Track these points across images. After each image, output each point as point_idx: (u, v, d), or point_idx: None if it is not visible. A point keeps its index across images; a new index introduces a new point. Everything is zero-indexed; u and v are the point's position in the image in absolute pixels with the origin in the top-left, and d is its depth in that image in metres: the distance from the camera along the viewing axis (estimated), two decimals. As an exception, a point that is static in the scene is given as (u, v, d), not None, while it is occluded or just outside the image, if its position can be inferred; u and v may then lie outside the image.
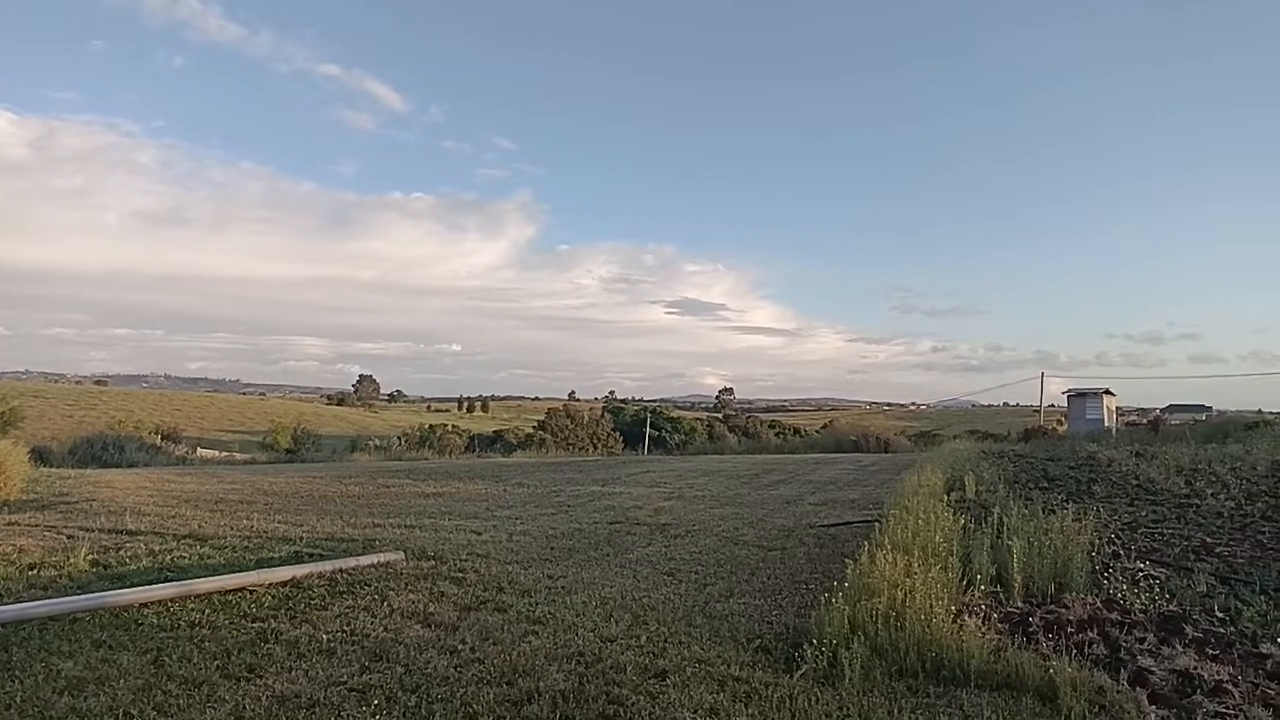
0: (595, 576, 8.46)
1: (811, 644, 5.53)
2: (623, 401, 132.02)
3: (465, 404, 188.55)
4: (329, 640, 5.98)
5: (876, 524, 9.03)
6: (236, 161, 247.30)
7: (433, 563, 8.85)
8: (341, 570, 8.23)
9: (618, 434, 66.51)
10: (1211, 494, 14.07)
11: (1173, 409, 64.96)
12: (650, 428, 69.09)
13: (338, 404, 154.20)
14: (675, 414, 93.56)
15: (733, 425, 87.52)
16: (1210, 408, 60.63)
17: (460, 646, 5.90)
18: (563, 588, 7.89)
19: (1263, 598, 7.16)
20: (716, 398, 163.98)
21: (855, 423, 62.61)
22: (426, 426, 70.81)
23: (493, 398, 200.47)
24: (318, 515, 12.86)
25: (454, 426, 79.87)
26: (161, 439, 40.55)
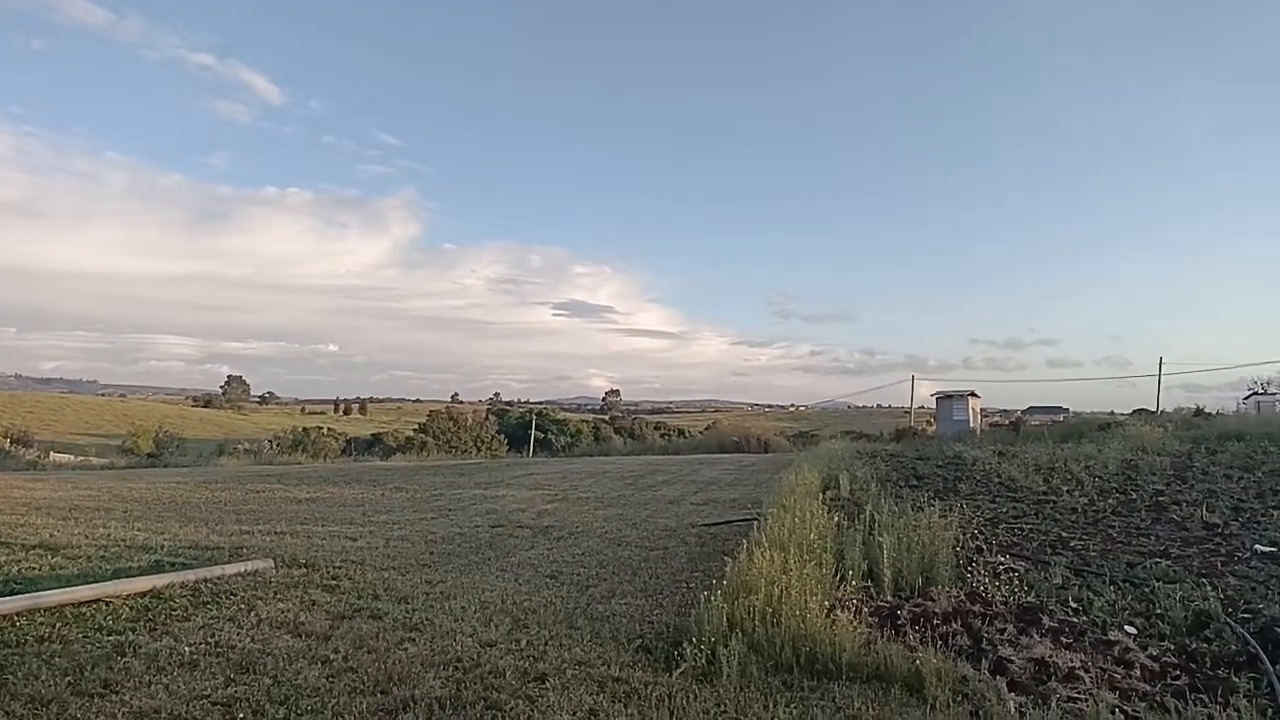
0: (475, 581, 8.33)
1: (691, 642, 5.57)
2: (508, 404, 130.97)
3: (342, 406, 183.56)
4: (192, 653, 5.68)
5: (755, 522, 9.20)
6: (101, 151, 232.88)
7: (304, 570, 8.53)
8: (206, 580, 7.83)
9: (502, 437, 65.85)
10: (1067, 491, 14.90)
11: (1033, 410, 68.25)
12: (536, 430, 68.68)
13: (204, 406, 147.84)
14: (561, 416, 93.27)
15: (619, 427, 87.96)
16: (1067, 409, 63.98)
17: (332, 656, 5.71)
18: (441, 593, 7.73)
19: (1112, 588, 7.61)
20: (603, 400, 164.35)
21: (738, 424, 63.71)
22: (300, 429, 68.35)
23: (371, 400, 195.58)
24: (181, 522, 12.24)
25: (330, 429, 77.43)
26: (10, 443, 37.95)
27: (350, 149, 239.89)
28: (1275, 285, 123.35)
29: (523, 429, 69.26)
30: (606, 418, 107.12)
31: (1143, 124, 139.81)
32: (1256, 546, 9.66)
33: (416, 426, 71.12)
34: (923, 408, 49.90)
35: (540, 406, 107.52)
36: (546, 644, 6.08)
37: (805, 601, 5.98)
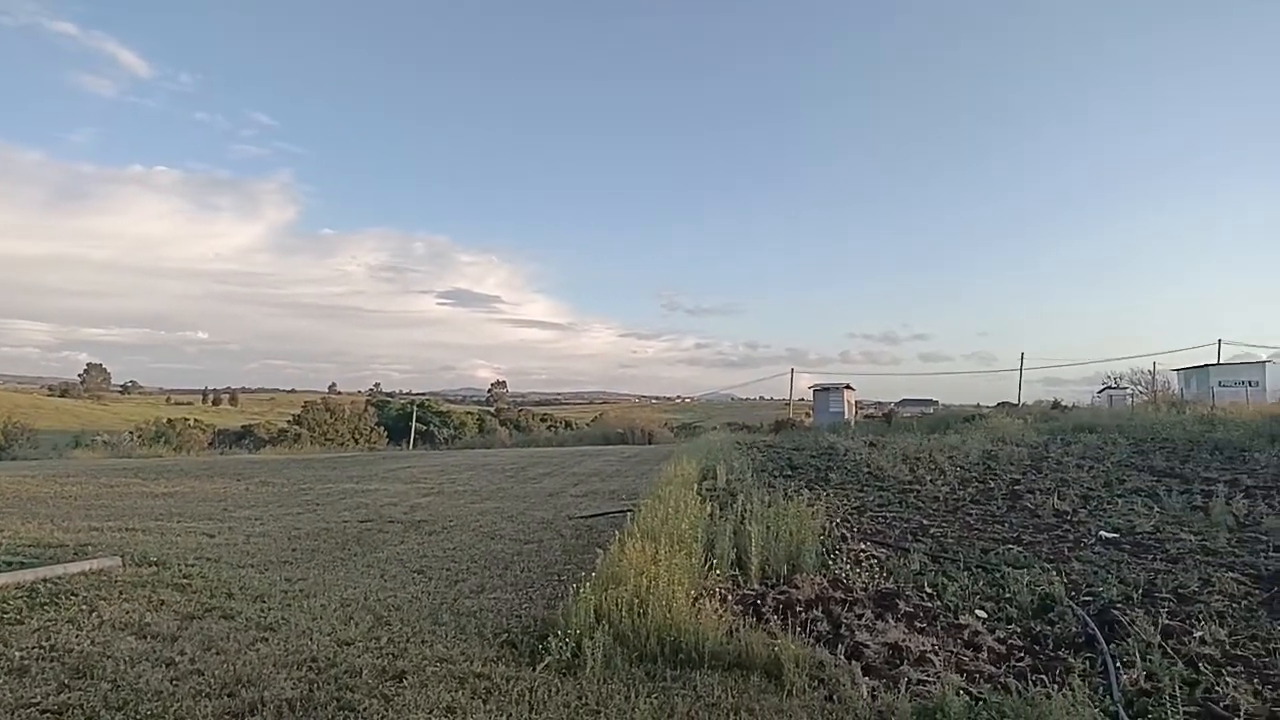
0: (339, 578, 8.06)
1: (557, 635, 5.52)
2: (389, 395, 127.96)
3: (211, 396, 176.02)
4: (23, 658, 5.29)
5: (631, 514, 9.22)
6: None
7: (155, 569, 8.09)
8: (45, 580, 7.33)
9: (382, 429, 64.30)
10: (931, 480, 15.50)
11: (905, 403, 70.90)
12: (417, 422, 67.26)
13: (61, 395, 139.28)
14: (445, 408, 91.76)
15: (504, 419, 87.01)
16: (937, 402, 66.64)
17: (178, 658, 5.41)
18: (301, 591, 7.45)
19: (966, 574, 7.93)
20: (489, 391, 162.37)
21: (624, 415, 63.83)
22: (164, 421, 65.02)
23: (243, 390, 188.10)
24: (23, 519, 11.46)
25: (197, 421, 74.01)
26: None
27: (223, 127, 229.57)
28: (1129, 285, 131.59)
29: (404, 421, 67.69)
30: (492, 409, 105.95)
31: (1006, 129, 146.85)
32: (1100, 533, 10.24)
33: (291, 418, 68.63)
34: (802, 400, 51.14)
35: (423, 398, 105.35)
36: (408, 641, 5.92)
37: (672, 592, 6.01)
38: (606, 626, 5.64)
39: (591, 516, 12.29)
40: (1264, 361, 40.47)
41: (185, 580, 7.66)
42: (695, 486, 11.87)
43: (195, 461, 27.25)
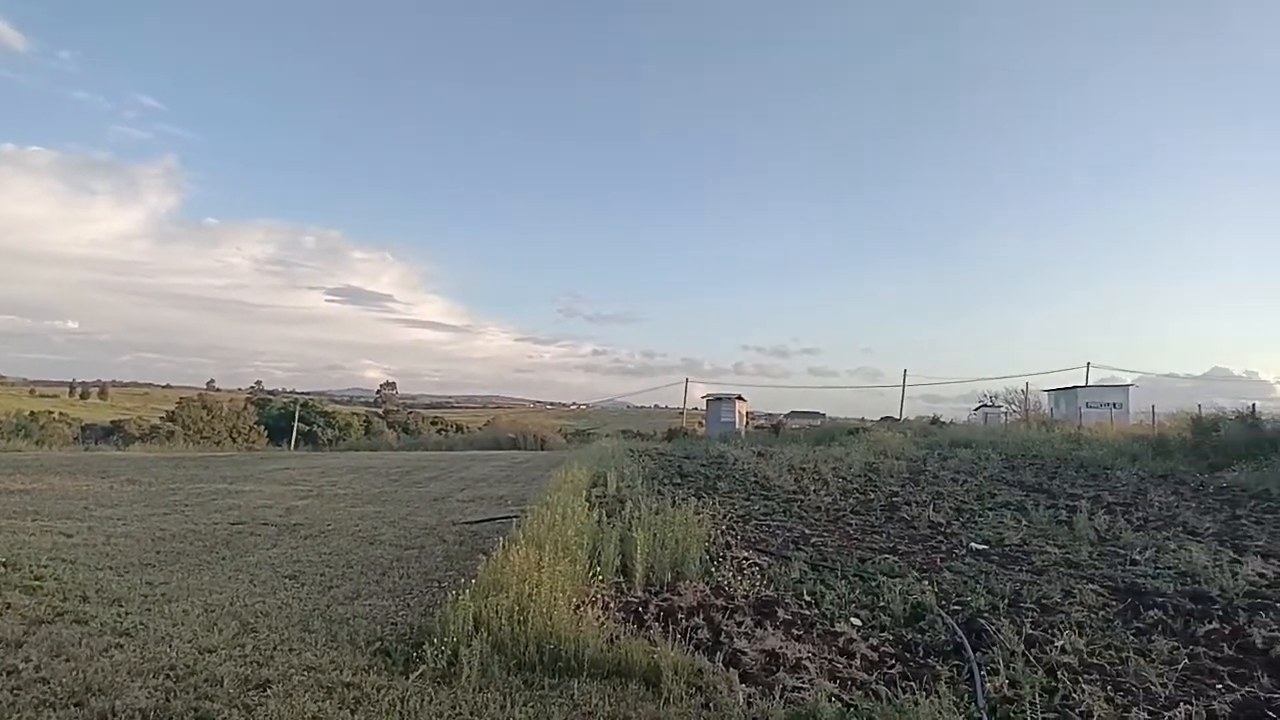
0: (204, 582, 7.68)
1: (433, 643, 5.38)
2: (271, 393, 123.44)
3: (79, 389, 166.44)
4: None
5: (517, 520, 9.10)
6: None
7: (1, 570, 7.57)
8: (-128, 583, 6.79)
9: (262, 428, 61.87)
10: (815, 490, 15.84)
11: (794, 415, 72.31)
12: (300, 422, 65.10)
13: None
14: (330, 408, 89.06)
15: (392, 421, 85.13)
16: (824, 415, 68.25)
17: (23, 665, 5.08)
18: (162, 595, 7.08)
19: (844, 582, 8.11)
20: (377, 392, 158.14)
21: (517, 421, 63.40)
22: (27, 413, 61.26)
23: (115, 383, 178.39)
24: None
25: (62, 414, 70.00)
26: None
27: (105, 108, 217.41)
28: (1005, 308, 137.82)
29: (285, 421, 65.30)
30: (380, 411, 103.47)
31: (891, 153, 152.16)
32: (971, 544, 10.63)
33: (164, 414, 65.40)
34: (695, 409, 51.71)
35: (307, 397, 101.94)
36: (275, 649, 5.68)
37: (555, 599, 5.94)
38: (485, 634, 5.53)
39: (477, 522, 12.09)
40: (1127, 385, 42.97)
41: (36, 582, 7.20)
42: (585, 493, 11.82)
43: (57, 457, 25.67)
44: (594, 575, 7.08)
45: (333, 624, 6.40)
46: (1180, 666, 5.69)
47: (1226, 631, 6.53)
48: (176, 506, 13.17)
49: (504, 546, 7.03)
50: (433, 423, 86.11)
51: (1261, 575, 8.58)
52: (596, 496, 12.53)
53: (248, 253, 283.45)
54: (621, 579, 7.48)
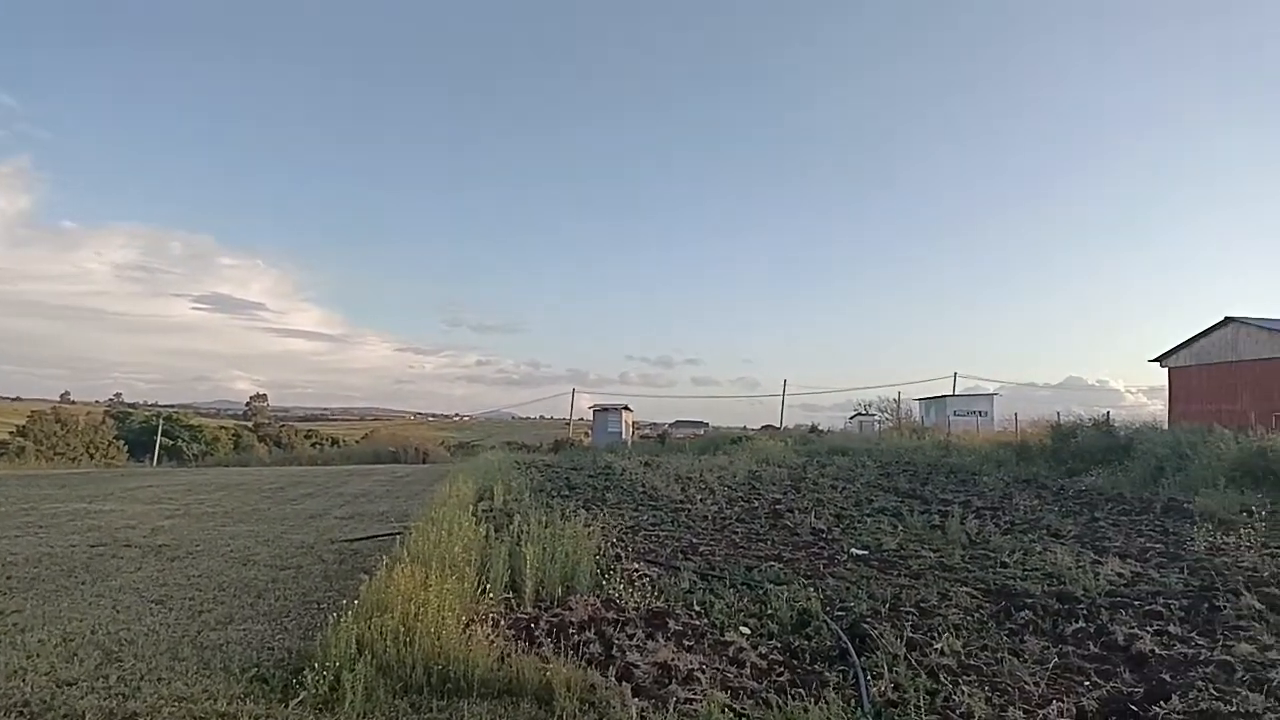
0: (62, 610, 7.17)
1: (313, 668, 5.15)
2: (132, 406, 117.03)
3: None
4: None
5: (401, 537, 8.85)
6: None
7: None
8: None
9: (122, 443, 58.37)
10: (701, 499, 16.02)
11: (678, 424, 73.28)
12: (163, 436, 61.92)
13: None
14: (196, 421, 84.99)
15: (263, 435, 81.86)
16: (708, 424, 69.37)
17: None
18: (15, 625, 6.58)
19: (732, 591, 8.19)
20: (247, 404, 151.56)
21: (397, 433, 61.87)
22: None
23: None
24: None
25: (-104, 431, 64.39)
26: None
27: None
28: (878, 319, 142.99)
29: (148, 435, 61.99)
30: (250, 424, 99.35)
31: (767, 166, 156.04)
32: (852, 550, 10.91)
33: (13, 429, 61.03)
34: (582, 419, 51.81)
35: (171, 410, 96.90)
36: (141, 679, 5.35)
37: (442, 618, 5.79)
38: (369, 657, 5.33)
39: (357, 540, 11.70)
40: (992, 394, 45.24)
41: None
42: (471, 508, 11.59)
43: (-113, 479, 23.65)
44: (483, 592, 6.94)
45: (204, 651, 6.06)
46: (1051, 665, 5.96)
47: (1091, 630, 6.89)
48: (30, 528, 12.29)
49: (387, 565, 6.81)
50: (307, 436, 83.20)
51: (1120, 575, 9.09)
52: (483, 511, 12.33)
53: (108, 258, 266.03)
54: (511, 595, 7.35)
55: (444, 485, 14.18)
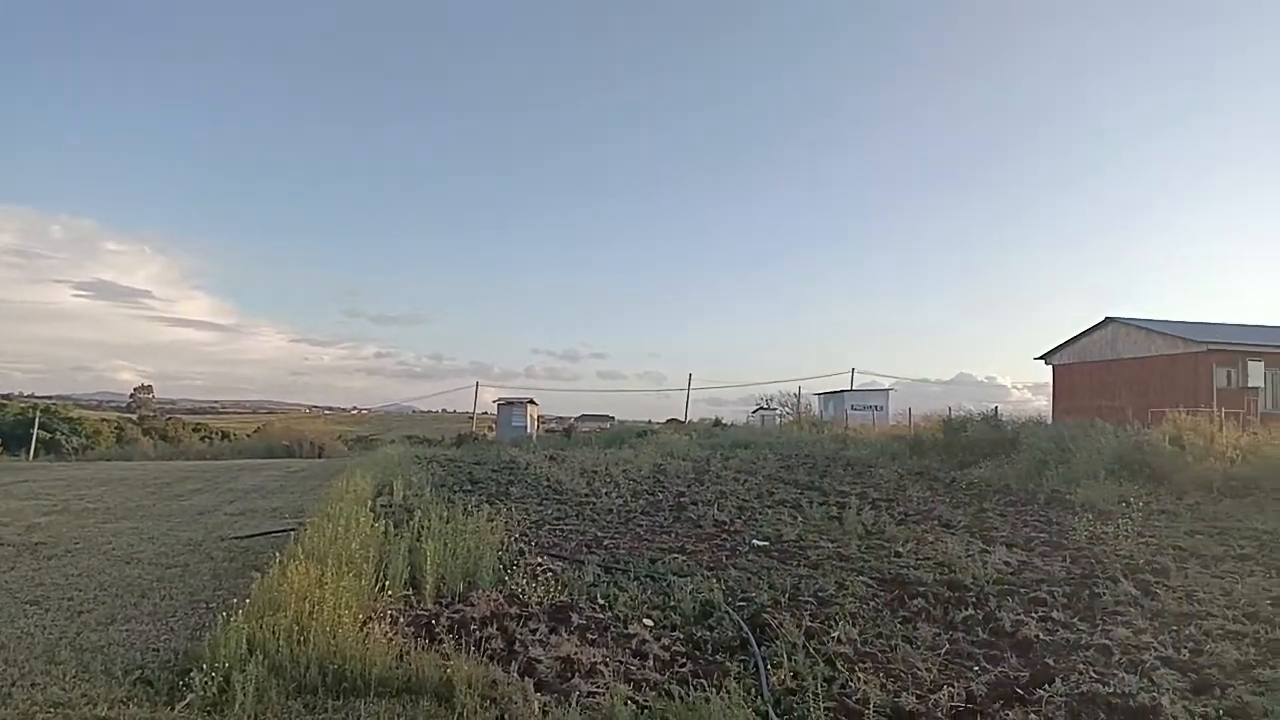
0: (-76, 614, 6.72)
1: (202, 670, 4.94)
2: (6, 397, 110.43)
3: None
4: None
5: (295, 533, 8.59)
6: None
7: None
8: None
9: (-7, 437, 55.24)
10: (606, 493, 16.04)
11: (584, 418, 73.10)
12: (40, 429, 58.61)
13: None
14: (77, 414, 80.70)
15: (149, 428, 78.24)
16: (614, 417, 69.48)
17: None
18: None
19: (636, 583, 8.21)
20: (132, 396, 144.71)
21: (292, 427, 60.01)
22: None
23: None
24: None
25: None
26: None
27: None
28: (779, 315, 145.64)
29: (23, 428, 58.52)
30: (134, 417, 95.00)
31: (672, 160, 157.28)
32: (753, 541, 11.08)
33: (-128, 423, 57.02)
34: (486, 413, 51.24)
35: (49, 401, 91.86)
36: (14, 684, 5.07)
37: (338, 616, 5.64)
38: (261, 657, 5.16)
39: (249, 537, 11.30)
40: (888, 389, 46.57)
41: None
42: (369, 503, 11.33)
43: None
44: (381, 589, 6.79)
45: (84, 653, 5.77)
46: (942, 651, 6.17)
47: (980, 617, 7.16)
48: (-114, 528, 11.46)
49: (281, 562, 6.61)
50: (196, 429, 79.84)
51: (1007, 564, 9.47)
52: (382, 506, 12.08)
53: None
54: (411, 592, 7.21)
55: (341, 480, 13.82)
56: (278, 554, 7.08)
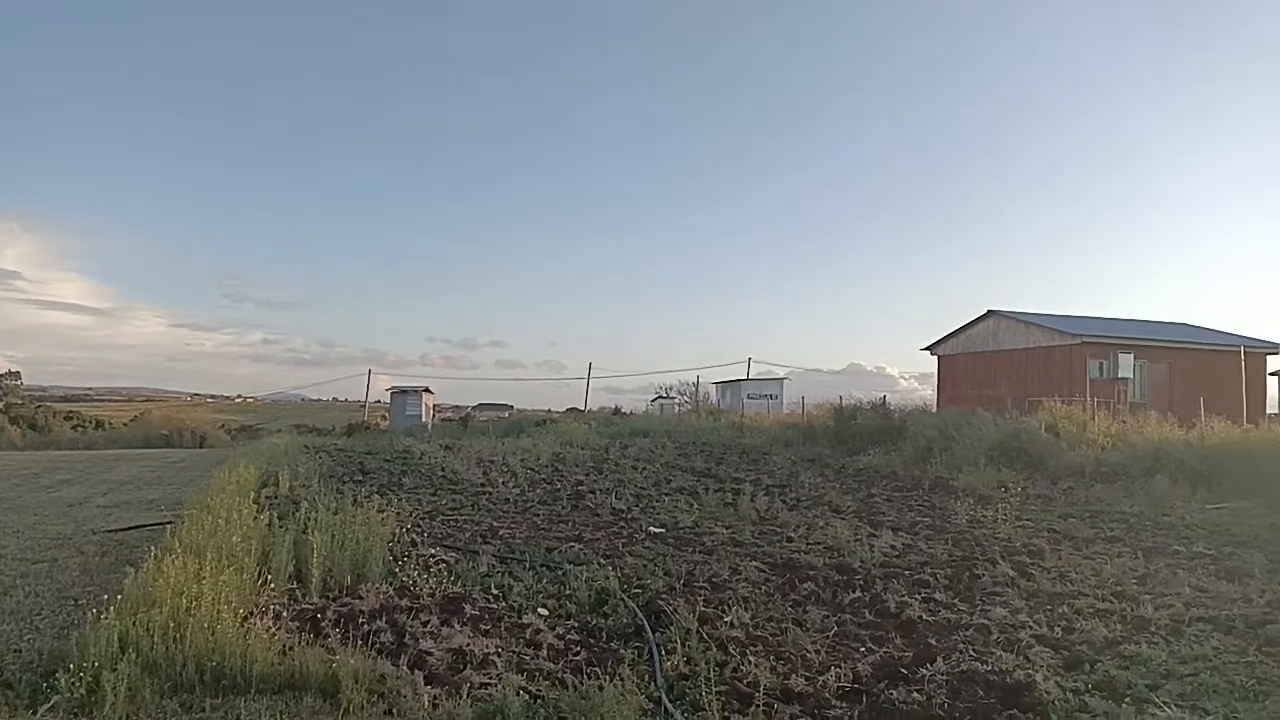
0: None
1: (68, 670, 4.67)
2: None
3: None
4: None
5: (173, 526, 8.22)
6: None
7: None
8: None
9: None
10: (503, 483, 15.89)
11: (482, 407, 72.36)
12: (-107, 418, 54.69)
13: None
14: (-65, 402, 75.73)
15: (16, 416, 73.85)
16: (512, 406, 68.98)
17: None
18: None
19: (531, 573, 8.17)
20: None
21: (171, 415, 57.57)
22: None
23: None
24: None
25: None
26: None
27: None
28: (679, 305, 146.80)
29: (-126, 417, 54.68)
30: (1, 405, 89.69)
31: (578, 152, 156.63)
32: (650, 528, 11.16)
33: None
34: (379, 402, 50.09)
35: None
36: None
37: (218, 612, 5.41)
38: (134, 656, 4.90)
39: (123, 530, 10.76)
40: (782, 379, 47.59)
41: None
42: (253, 495, 10.91)
43: None
44: (264, 583, 6.54)
45: (-66, 658, 5.38)
46: (831, 633, 6.34)
47: (867, 599, 7.38)
48: None
49: (156, 556, 6.29)
50: (68, 418, 75.72)
51: (893, 547, 9.79)
52: (267, 497, 11.67)
53: None
54: (296, 586, 6.99)
55: (223, 471, 13.26)
56: (153, 548, 6.73)
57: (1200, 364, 31.48)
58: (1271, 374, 33.44)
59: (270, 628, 5.54)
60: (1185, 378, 30.60)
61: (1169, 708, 4.64)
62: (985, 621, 6.63)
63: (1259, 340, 33.26)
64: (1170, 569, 8.67)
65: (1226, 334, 34.87)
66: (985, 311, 36.18)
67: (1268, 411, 30.56)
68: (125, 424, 57.88)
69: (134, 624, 5.19)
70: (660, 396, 52.25)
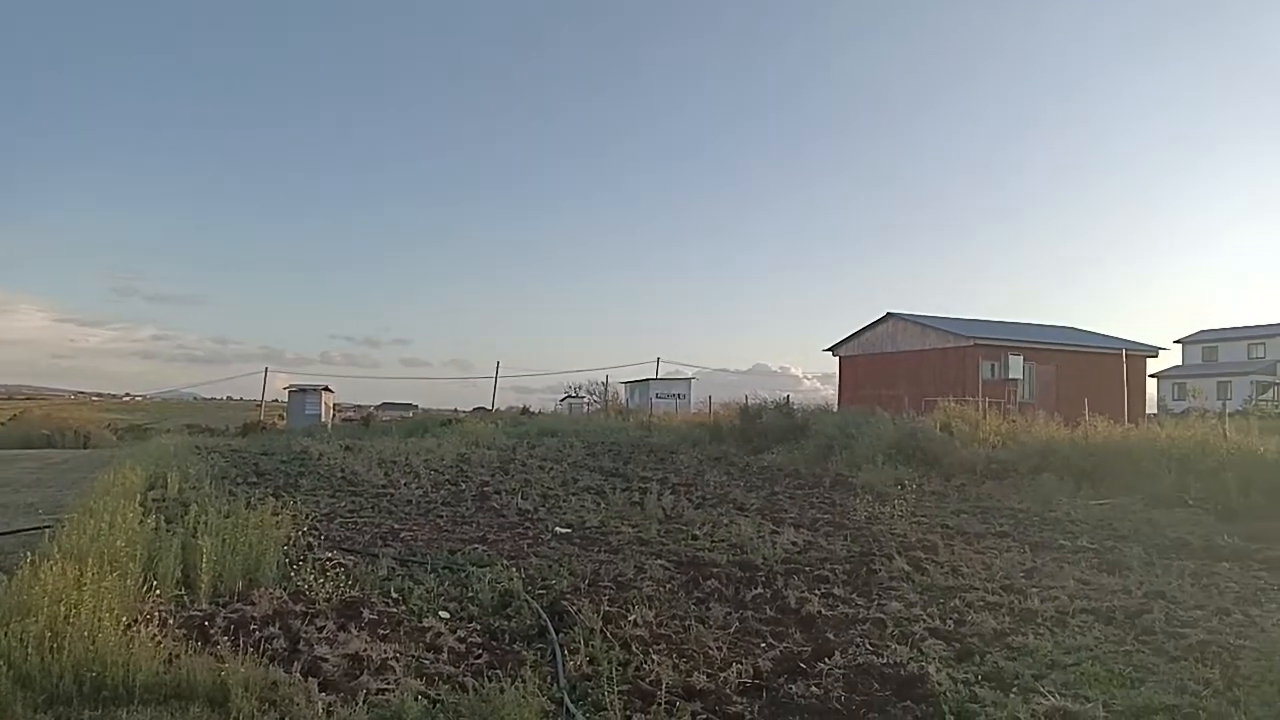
0: None
1: (-71, 687, 4.39)
2: None
3: None
4: None
5: (52, 530, 7.82)
6: None
7: None
8: None
9: None
10: (405, 483, 15.62)
11: (385, 406, 71.01)
12: None
13: None
14: None
15: (-121, 417, 69.33)
16: (417, 406, 67.88)
17: None
18: None
19: (433, 576, 8.04)
20: None
21: (53, 414, 54.65)
22: None
23: None
24: None
25: None
26: None
27: None
28: (586, 305, 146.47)
29: None
30: None
31: (500, 140, 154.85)
32: (556, 528, 11.12)
33: None
34: (276, 401, 48.61)
35: None
36: None
37: (99, 620, 5.15)
38: (5, 668, 4.63)
39: (-2, 535, 10.19)
40: (690, 378, 48.04)
41: None
42: (140, 497, 10.45)
43: None
44: (150, 590, 6.26)
45: None
46: (733, 630, 6.42)
47: (768, 595, 7.50)
48: None
49: (32, 563, 5.96)
50: (-61, 418, 71.53)
51: (794, 544, 9.96)
52: (154, 500, 11.21)
53: None
54: (184, 592, 6.72)
55: (108, 472, 12.68)
56: (29, 554, 6.38)
57: (1085, 366, 33.07)
58: (1151, 376, 35.36)
59: (156, 635, 5.30)
60: (1071, 379, 32.07)
61: (1053, 696, 4.83)
62: (881, 615, 6.80)
63: (1140, 344, 35.14)
64: (1056, 563, 9.06)
65: (1110, 337, 36.75)
66: (884, 314, 37.26)
67: (1147, 412, 32.29)
68: (3, 423, 54.70)
69: (6, 635, 4.91)
70: (569, 396, 52.23)
